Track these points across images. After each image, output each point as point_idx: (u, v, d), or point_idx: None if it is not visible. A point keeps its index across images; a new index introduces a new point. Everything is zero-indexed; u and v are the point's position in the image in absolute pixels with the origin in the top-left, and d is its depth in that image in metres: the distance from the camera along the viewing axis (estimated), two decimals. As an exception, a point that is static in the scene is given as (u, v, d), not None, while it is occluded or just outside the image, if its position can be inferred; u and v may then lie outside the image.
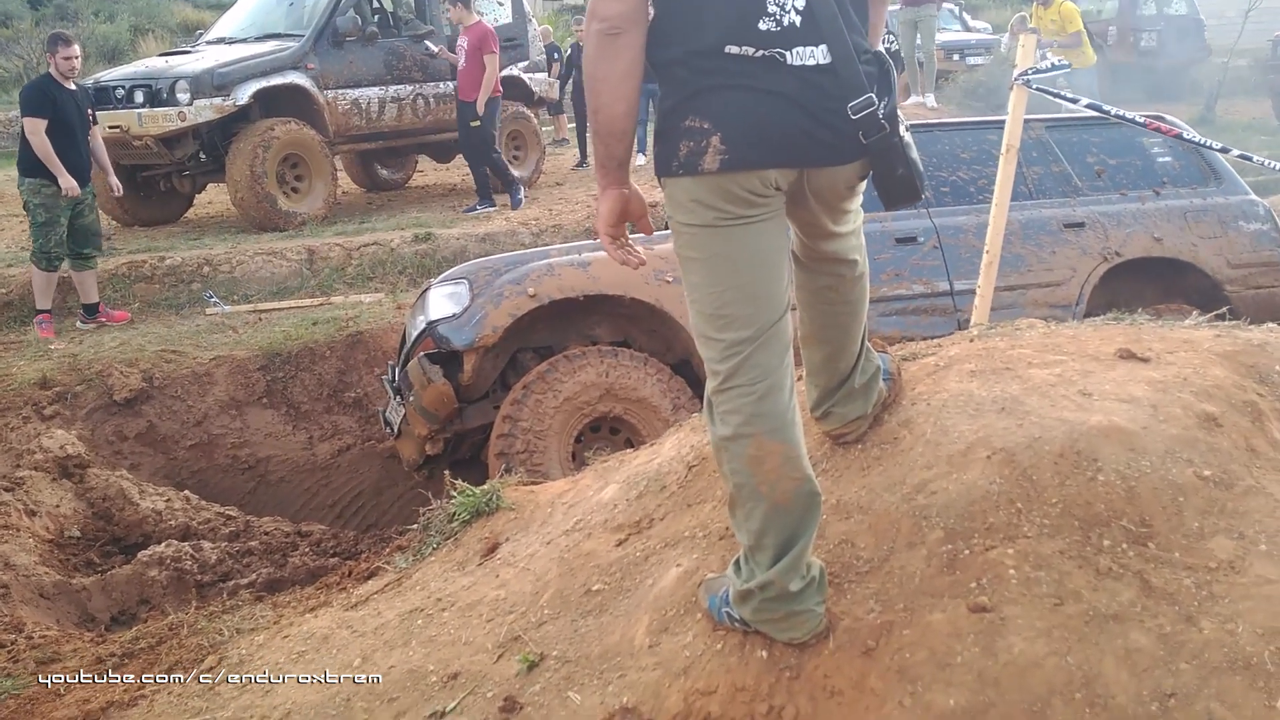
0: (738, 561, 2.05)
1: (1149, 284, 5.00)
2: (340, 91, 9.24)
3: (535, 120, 11.19)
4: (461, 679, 2.35)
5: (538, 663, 2.30)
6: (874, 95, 1.83)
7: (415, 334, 4.67)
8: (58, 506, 5.02)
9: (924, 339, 3.19)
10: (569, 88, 12.67)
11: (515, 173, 10.68)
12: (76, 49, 6.81)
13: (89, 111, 7.01)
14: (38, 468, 5.16)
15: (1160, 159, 5.32)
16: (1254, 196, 5.27)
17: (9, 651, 3.32)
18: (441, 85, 9.82)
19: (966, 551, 2.05)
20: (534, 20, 11.50)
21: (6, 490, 4.89)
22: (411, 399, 4.49)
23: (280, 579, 4.36)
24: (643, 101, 10.92)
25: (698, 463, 2.72)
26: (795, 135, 1.83)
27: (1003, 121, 5.39)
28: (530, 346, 4.72)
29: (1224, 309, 3.29)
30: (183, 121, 8.36)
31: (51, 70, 6.78)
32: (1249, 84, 13.33)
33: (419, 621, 2.64)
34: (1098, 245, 4.95)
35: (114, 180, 7.52)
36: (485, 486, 3.21)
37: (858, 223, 2.13)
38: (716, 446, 1.98)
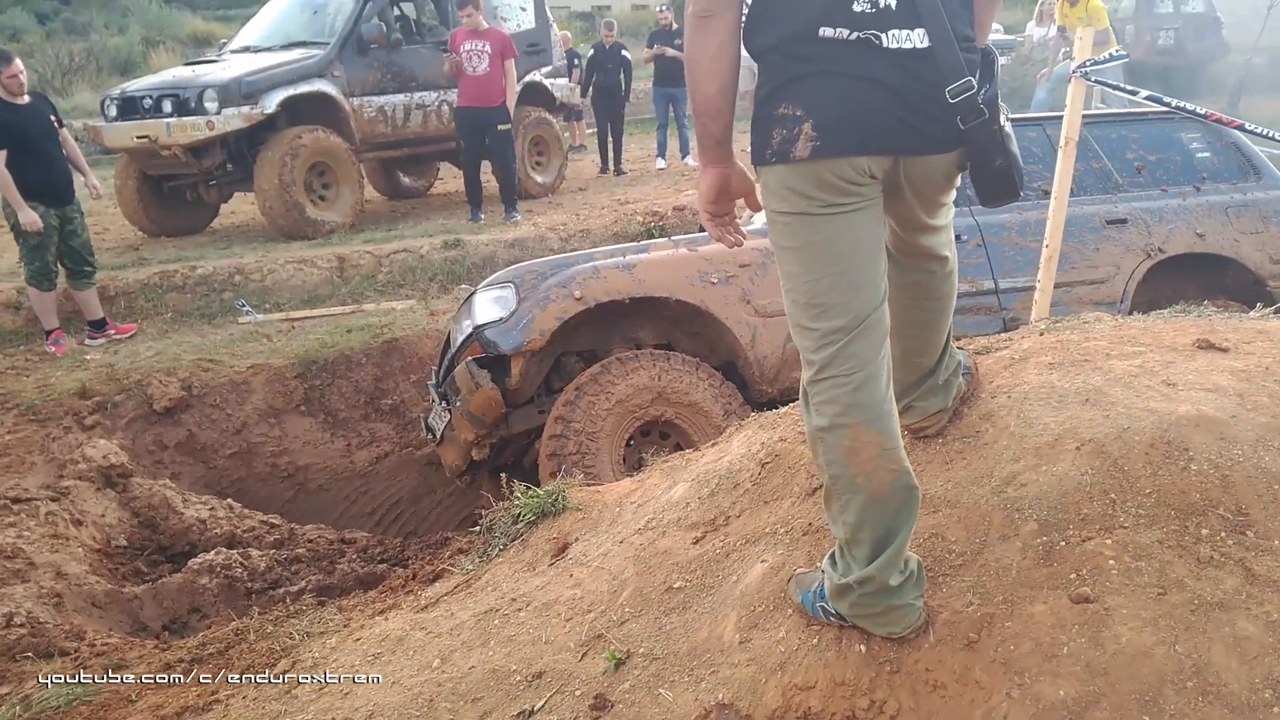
0: (833, 555, 2.03)
1: (1191, 280, 4.99)
2: (366, 99, 9.28)
3: (557, 126, 11.21)
4: (547, 678, 2.34)
5: (625, 660, 2.29)
6: (974, 79, 1.81)
7: (461, 338, 4.65)
8: (103, 516, 5.03)
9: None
10: (589, 92, 12.62)
11: (538, 179, 10.71)
12: (18, 64, 6.50)
13: (52, 119, 6.71)
14: (81, 477, 5.18)
15: (1199, 154, 5.30)
16: (1295, 191, 5.25)
17: (74, 659, 3.33)
18: (466, 92, 9.83)
19: (1063, 543, 2.04)
20: (555, 26, 11.52)
21: (53, 500, 4.91)
22: (458, 404, 4.47)
23: (330, 585, 4.37)
24: (660, 106, 10.86)
25: (770, 460, 2.71)
26: (888, 122, 1.81)
27: (1039, 119, 5.42)
28: (574, 350, 4.72)
29: (1290, 300, 3.28)
30: (211, 130, 8.39)
31: (0, 93, 6.44)
32: (1269, 81, 13.31)
33: (495, 621, 2.64)
34: (1140, 242, 4.95)
35: (93, 181, 7.14)
36: (550, 487, 3.20)
37: (950, 217, 2.13)
38: (811, 437, 1.97)
